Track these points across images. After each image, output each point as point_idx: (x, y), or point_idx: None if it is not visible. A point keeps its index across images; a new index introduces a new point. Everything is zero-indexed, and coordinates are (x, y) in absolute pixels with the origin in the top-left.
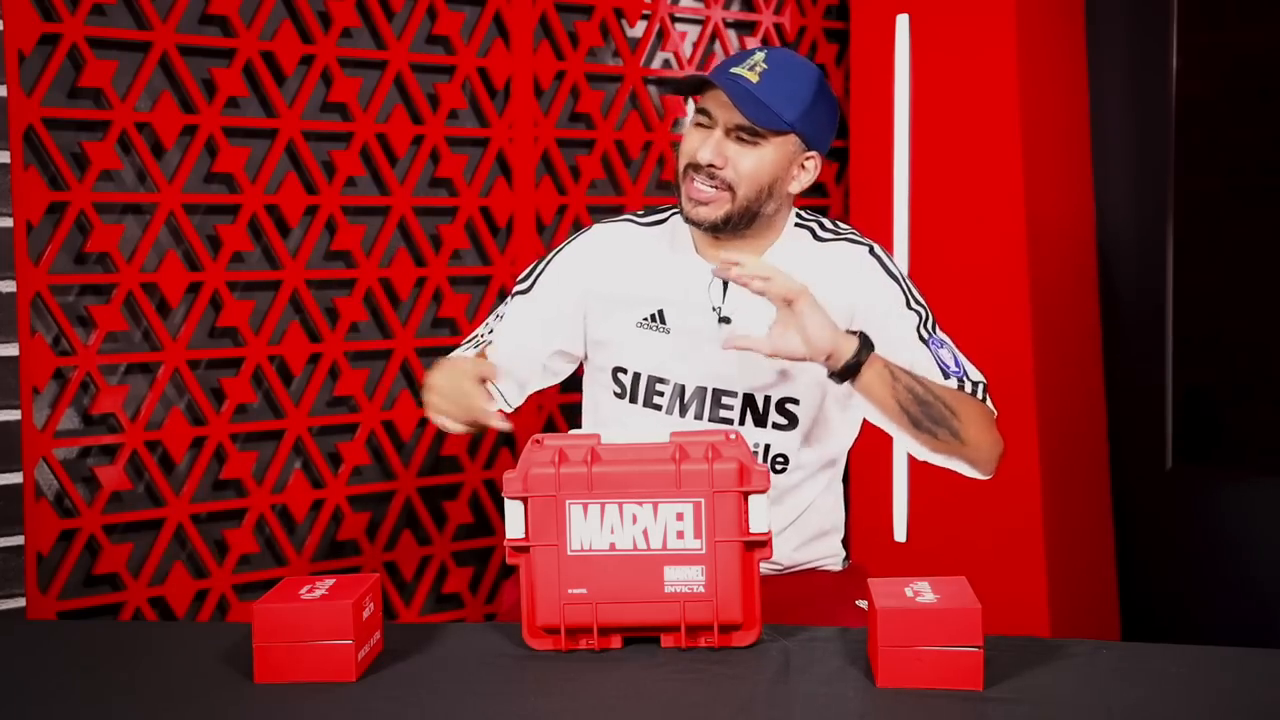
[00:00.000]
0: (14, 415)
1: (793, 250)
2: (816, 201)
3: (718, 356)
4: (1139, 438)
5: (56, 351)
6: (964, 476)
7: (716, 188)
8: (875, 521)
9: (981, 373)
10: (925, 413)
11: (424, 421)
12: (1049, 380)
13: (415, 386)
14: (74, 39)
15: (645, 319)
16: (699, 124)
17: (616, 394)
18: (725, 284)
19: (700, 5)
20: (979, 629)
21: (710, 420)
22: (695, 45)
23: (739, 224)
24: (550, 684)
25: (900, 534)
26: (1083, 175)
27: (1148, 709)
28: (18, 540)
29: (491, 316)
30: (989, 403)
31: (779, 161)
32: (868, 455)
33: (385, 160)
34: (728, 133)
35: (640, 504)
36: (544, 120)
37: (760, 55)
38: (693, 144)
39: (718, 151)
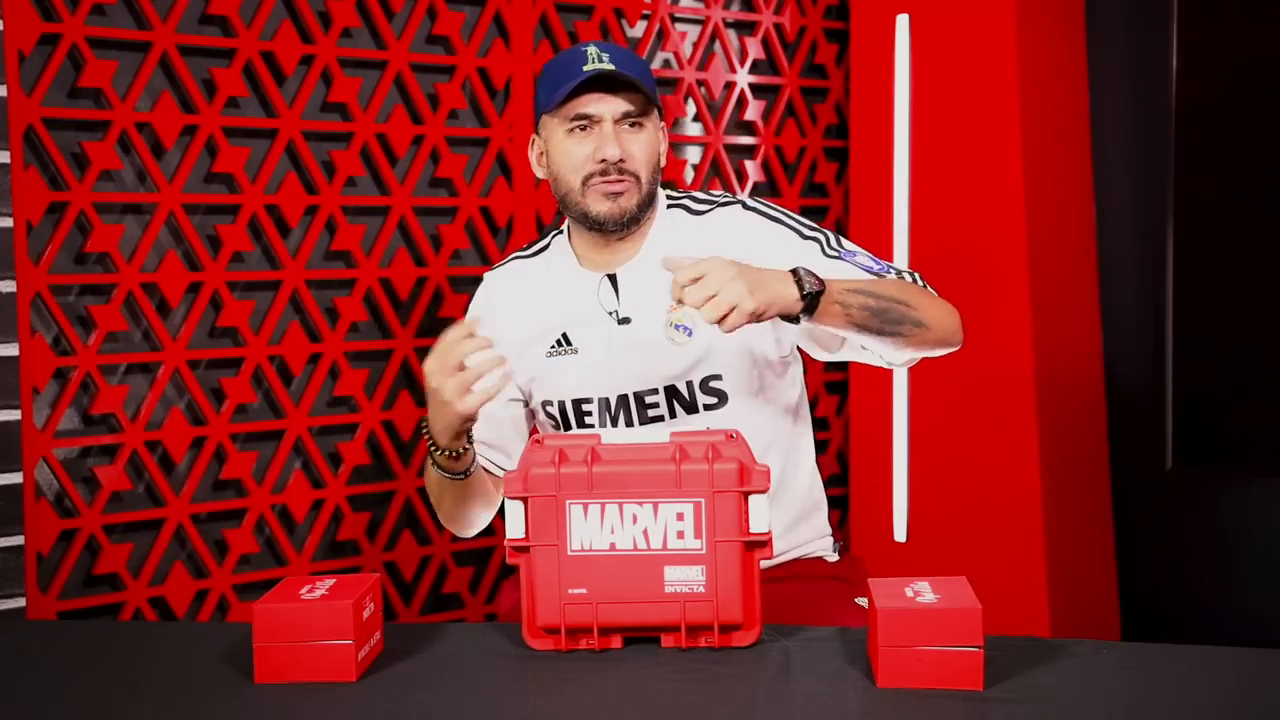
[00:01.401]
0: (14, 415)
1: (672, 231)
2: (817, 202)
3: (627, 360)
4: (1139, 438)
5: (56, 351)
6: (963, 475)
7: (624, 179)
8: (875, 521)
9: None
10: (884, 319)
11: (424, 421)
12: (1049, 380)
13: (415, 386)
14: (74, 39)
15: (553, 346)
16: (578, 130)
17: (554, 427)
18: (615, 286)
19: (700, 5)
20: (979, 629)
21: (641, 424)
22: (695, 45)
23: (644, 209)
24: (550, 684)
25: (900, 534)
26: (1083, 175)
27: (1148, 709)
28: (18, 540)
29: None
30: (929, 287)
31: (657, 137)
32: (868, 455)
33: (385, 160)
34: (615, 125)
35: (640, 504)
36: None
37: (594, 50)
38: (585, 149)
39: (621, 144)
